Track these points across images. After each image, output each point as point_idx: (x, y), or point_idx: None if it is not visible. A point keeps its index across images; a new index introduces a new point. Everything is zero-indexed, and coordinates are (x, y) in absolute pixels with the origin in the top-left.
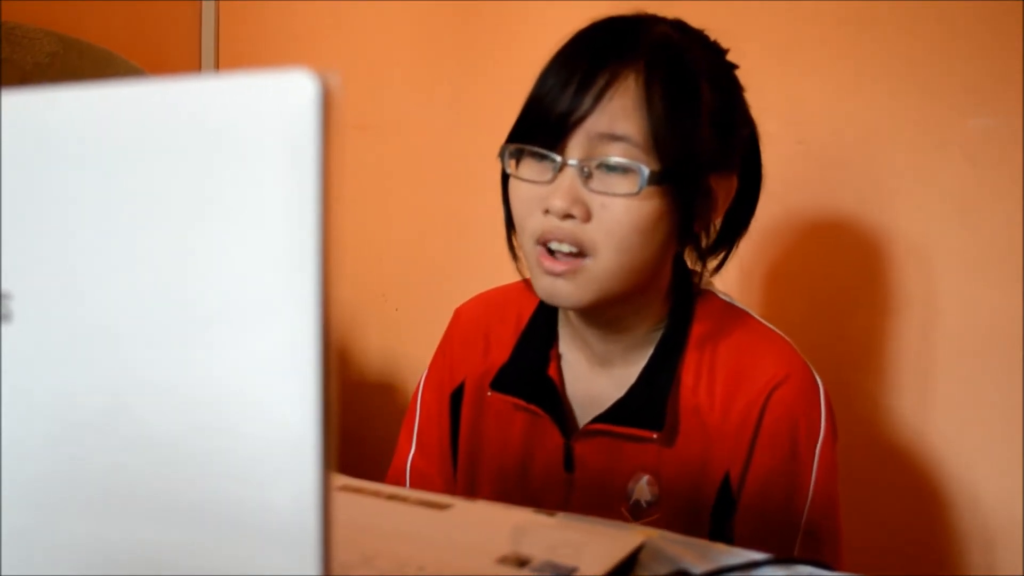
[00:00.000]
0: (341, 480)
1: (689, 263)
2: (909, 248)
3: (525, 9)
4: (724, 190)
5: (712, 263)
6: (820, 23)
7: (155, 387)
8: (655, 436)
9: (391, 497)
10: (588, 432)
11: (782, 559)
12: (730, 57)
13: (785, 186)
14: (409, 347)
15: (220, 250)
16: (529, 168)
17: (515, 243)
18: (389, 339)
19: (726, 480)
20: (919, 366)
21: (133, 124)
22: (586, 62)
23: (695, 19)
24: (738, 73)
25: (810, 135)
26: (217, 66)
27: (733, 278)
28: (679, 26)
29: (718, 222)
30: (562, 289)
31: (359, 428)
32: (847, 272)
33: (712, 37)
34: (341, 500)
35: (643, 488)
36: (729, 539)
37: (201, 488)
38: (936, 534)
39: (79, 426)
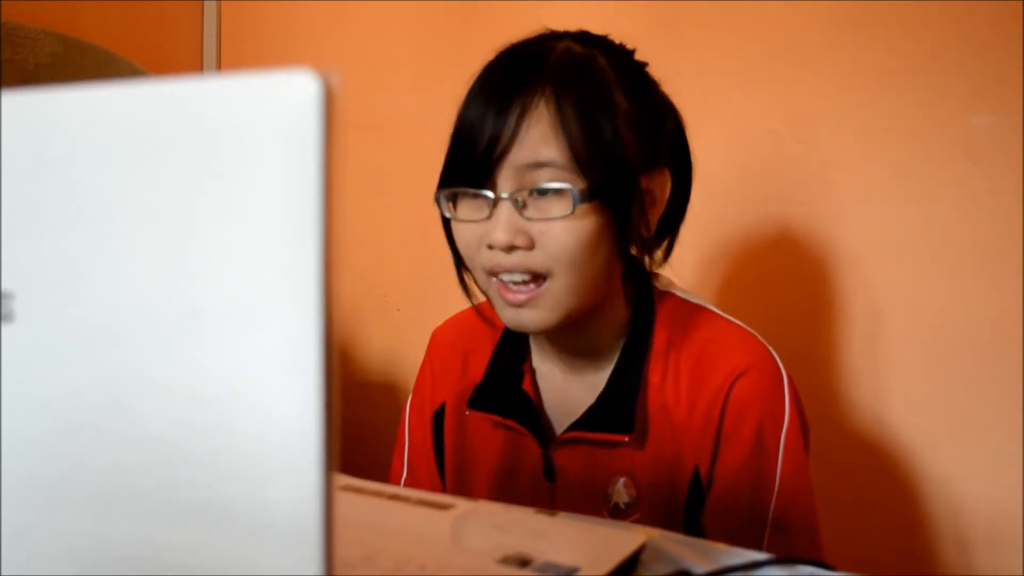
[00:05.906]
0: (343, 480)
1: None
2: (910, 246)
3: (525, 9)
4: (659, 186)
5: (659, 254)
6: (820, 23)
7: (156, 386)
8: (626, 439)
9: (392, 497)
10: (564, 440)
11: (784, 559)
12: (731, 57)
13: (785, 185)
14: (410, 347)
15: (221, 249)
16: (466, 208)
17: (466, 279)
18: (390, 339)
19: (696, 475)
20: (921, 365)
21: (134, 124)
22: (497, 96)
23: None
24: (739, 72)
25: (810, 135)
26: (219, 66)
27: (731, 276)
28: (581, 37)
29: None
30: (527, 317)
31: (360, 428)
32: (846, 269)
33: (617, 40)
34: (343, 500)
35: (620, 491)
36: (701, 534)
37: (202, 487)
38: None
39: (80, 425)
